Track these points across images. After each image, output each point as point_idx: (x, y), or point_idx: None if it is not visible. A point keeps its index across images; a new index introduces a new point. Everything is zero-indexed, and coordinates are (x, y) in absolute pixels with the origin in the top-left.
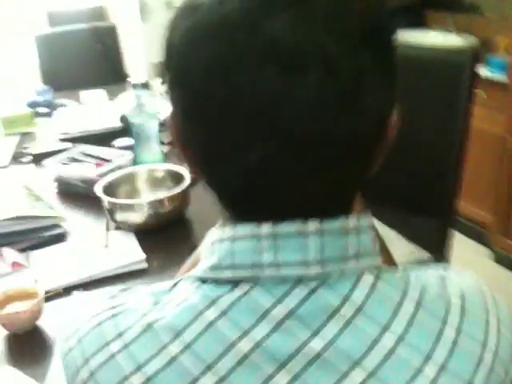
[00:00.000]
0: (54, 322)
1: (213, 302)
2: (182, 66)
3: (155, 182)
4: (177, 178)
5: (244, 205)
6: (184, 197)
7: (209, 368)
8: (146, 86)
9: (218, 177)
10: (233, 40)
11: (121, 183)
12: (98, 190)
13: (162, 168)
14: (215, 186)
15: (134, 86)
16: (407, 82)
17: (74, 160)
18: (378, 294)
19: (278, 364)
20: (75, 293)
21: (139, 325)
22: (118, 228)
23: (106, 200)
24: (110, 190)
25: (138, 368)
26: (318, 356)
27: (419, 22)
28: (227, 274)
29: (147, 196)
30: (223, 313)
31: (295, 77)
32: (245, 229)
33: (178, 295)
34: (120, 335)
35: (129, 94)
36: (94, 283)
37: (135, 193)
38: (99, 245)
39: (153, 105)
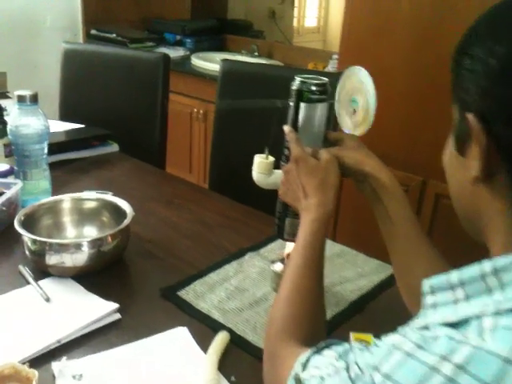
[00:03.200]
0: None
1: None
2: None
3: (83, 215)
4: (108, 207)
5: None
6: (126, 232)
7: None
8: (34, 98)
9: None
10: None
11: (41, 217)
12: (18, 226)
13: (89, 197)
14: None
15: (20, 99)
16: None
17: None
18: None
19: None
20: (56, 364)
21: (465, 349)
22: (44, 274)
23: (31, 239)
24: (27, 226)
25: None
26: None
27: (220, 45)
28: None
29: (77, 232)
30: None
31: None
32: None
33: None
34: (445, 358)
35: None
36: (66, 348)
37: (60, 228)
38: (36, 300)
39: (40, 122)
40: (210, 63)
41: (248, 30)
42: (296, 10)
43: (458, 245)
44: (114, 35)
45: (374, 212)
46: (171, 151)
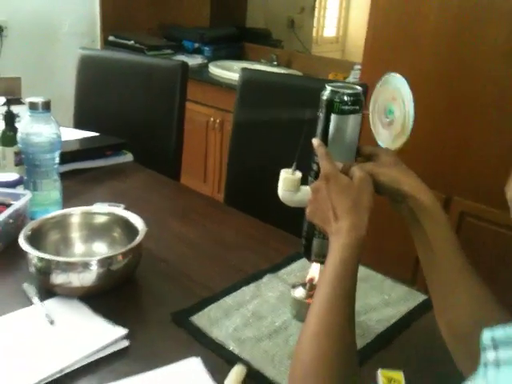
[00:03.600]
0: None
1: None
2: None
3: (93, 230)
4: (119, 223)
5: None
6: (138, 250)
7: None
8: (46, 105)
9: None
10: None
11: (48, 232)
12: (23, 242)
13: (99, 211)
14: None
15: (32, 106)
16: None
17: None
18: None
19: None
20: None
21: None
22: (49, 293)
23: (36, 257)
24: (33, 242)
25: None
26: None
27: (239, 54)
28: None
29: (86, 248)
30: None
31: None
32: None
33: None
34: None
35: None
36: (68, 378)
37: (68, 244)
38: (40, 322)
39: (52, 130)
40: (227, 72)
41: (267, 38)
42: (315, 20)
43: (484, 267)
44: (132, 42)
45: (413, 236)
46: (186, 160)
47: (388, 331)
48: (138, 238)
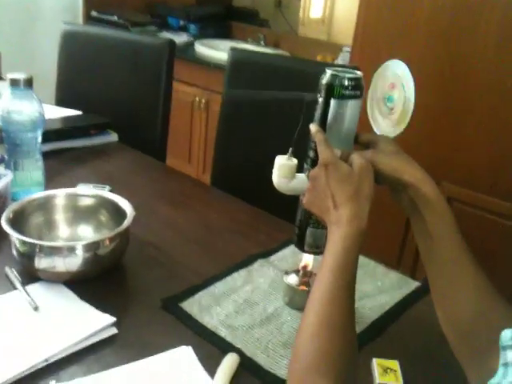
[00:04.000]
0: None
1: None
2: None
3: (78, 212)
4: (106, 205)
5: None
6: (126, 234)
7: None
8: (28, 82)
9: None
10: None
11: (30, 214)
12: (6, 225)
13: (85, 193)
14: None
15: (13, 83)
16: None
17: None
18: None
19: None
20: None
21: None
22: (33, 278)
23: (19, 240)
24: (16, 224)
25: None
26: None
27: (225, 33)
28: None
29: (71, 231)
30: None
31: None
32: None
33: None
34: None
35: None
36: (54, 368)
37: (52, 227)
38: (23, 308)
39: (34, 108)
40: (214, 50)
41: (254, 18)
42: (302, 0)
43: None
44: (115, 18)
45: (412, 226)
46: (170, 140)
47: (382, 319)
48: (126, 222)
